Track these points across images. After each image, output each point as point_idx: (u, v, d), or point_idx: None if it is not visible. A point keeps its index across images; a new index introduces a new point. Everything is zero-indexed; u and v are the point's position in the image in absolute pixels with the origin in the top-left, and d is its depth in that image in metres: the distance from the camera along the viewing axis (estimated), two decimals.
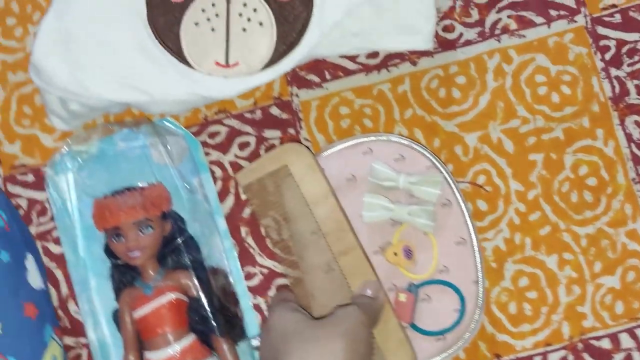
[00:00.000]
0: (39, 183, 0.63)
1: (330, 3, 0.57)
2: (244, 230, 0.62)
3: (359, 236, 0.58)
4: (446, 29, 0.64)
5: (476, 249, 0.59)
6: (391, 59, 0.63)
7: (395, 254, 0.58)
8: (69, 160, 0.61)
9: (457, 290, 0.58)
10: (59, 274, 0.62)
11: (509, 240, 0.61)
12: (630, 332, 0.60)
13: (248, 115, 0.63)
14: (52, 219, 0.62)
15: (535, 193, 0.61)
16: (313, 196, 0.58)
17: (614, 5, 0.63)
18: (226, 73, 0.58)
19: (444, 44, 0.63)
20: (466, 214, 0.59)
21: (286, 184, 0.58)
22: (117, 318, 0.59)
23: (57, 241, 0.62)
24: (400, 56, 0.63)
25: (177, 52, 0.58)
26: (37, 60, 0.58)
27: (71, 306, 0.62)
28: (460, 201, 0.59)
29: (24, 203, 0.63)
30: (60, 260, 0.62)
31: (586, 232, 0.61)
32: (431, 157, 0.60)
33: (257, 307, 0.61)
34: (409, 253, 0.58)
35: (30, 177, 0.64)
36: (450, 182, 0.59)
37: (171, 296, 0.58)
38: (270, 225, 0.59)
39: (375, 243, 0.59)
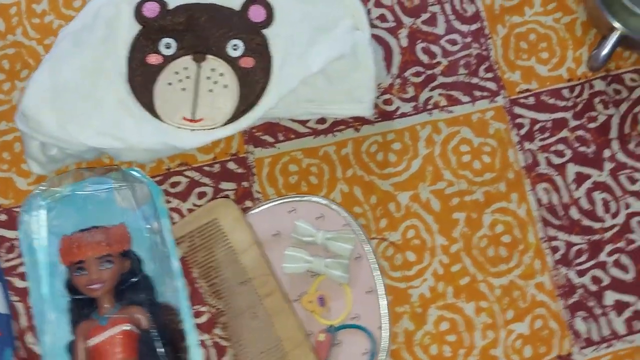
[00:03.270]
0: (12, 223, 0.68)
1: (287, 72, 0.65)
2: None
3: (282, 285, 0.65)
4: (386, 102, 0.73)
5: (381, 298, 0.65)
6: (337, 125, 0.72)
7: (310, 301, 0.65)
8: (41, 200, 0.66)
9: (367, 332, 0.64)
10: (19, 306, 0.67)
11: (433, 288, 0.68)
12: None
13: (207, 169, 0.70)
14: (19, 256, 0.67)
15: (458, 247, 0.69)
16: (240, 245, 0.65)
17: (528, 90, 0.74)
18: (192, 126, 0.66)
19: (384, 115, 0.72)
20: (374, 266, 0.66)
21: (216, 236, 0.65)
22: (71, 349, 0.63)
23: (21, 276, 0.67)
24: (345, 123, 0.72)
25: (150, 108, 0.65)
26: (26, 108, 0.64)
27: (27, 338, 0.66)
28: (370, 255, 0.66)
29: None
30: (22, 294, 0.66)
31: (500, 283, 0.68)
32: (347, 216, 0.67)
33: (203, 344, 0.66)
34: (322, 301, 0.65)
35: (3, 217, 0.69)
36: (364, 238, 0.67)
37: (124, 327, 0.62)
38: (201, 274, 0.66)
39: (295, 292, 0.66)
